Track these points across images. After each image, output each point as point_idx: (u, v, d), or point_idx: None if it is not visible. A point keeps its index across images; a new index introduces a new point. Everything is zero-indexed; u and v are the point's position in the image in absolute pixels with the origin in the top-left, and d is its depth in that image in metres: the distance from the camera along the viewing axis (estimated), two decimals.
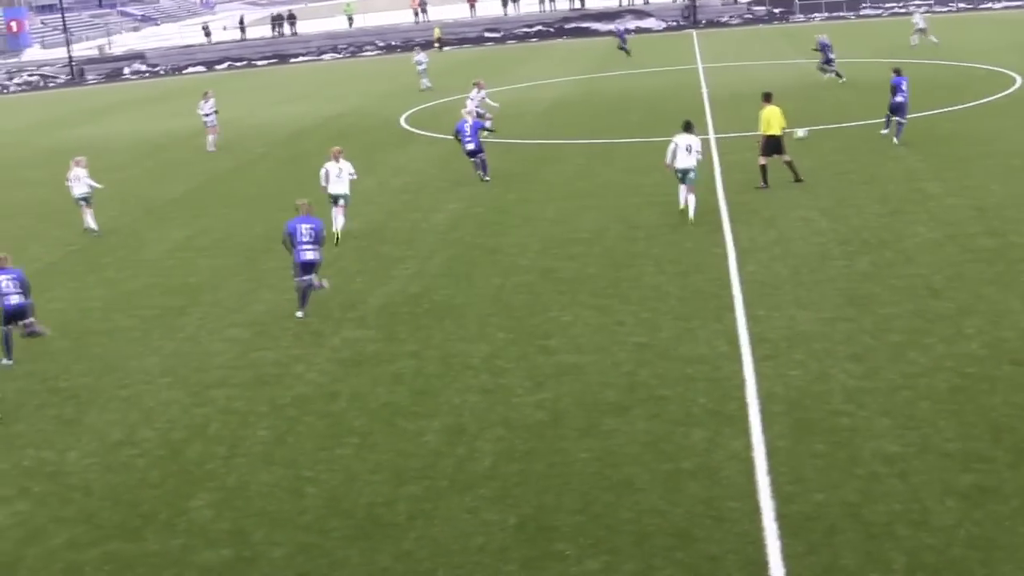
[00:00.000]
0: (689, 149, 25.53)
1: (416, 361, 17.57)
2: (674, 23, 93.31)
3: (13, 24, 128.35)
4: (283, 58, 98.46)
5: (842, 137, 34.11)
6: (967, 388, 14.94)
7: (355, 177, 27.36)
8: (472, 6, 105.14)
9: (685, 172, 25.59)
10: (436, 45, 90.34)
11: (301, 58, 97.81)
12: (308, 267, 20.85)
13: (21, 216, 34.37)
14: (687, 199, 25.61)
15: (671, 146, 25.73)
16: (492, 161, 32.65)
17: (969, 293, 18.83)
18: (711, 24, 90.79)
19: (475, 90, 40.87)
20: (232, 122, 51.80)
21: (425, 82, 59.27)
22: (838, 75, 47.15)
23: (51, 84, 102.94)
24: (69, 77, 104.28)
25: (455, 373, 16.88)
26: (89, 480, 14.58)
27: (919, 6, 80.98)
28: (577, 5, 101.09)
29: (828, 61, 47.75)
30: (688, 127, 26.28)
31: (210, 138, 44.08)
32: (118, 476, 14.60)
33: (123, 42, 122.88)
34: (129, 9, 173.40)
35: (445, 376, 16.81)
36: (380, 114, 49.95)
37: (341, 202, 26.94)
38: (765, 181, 27.77)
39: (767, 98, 28.53)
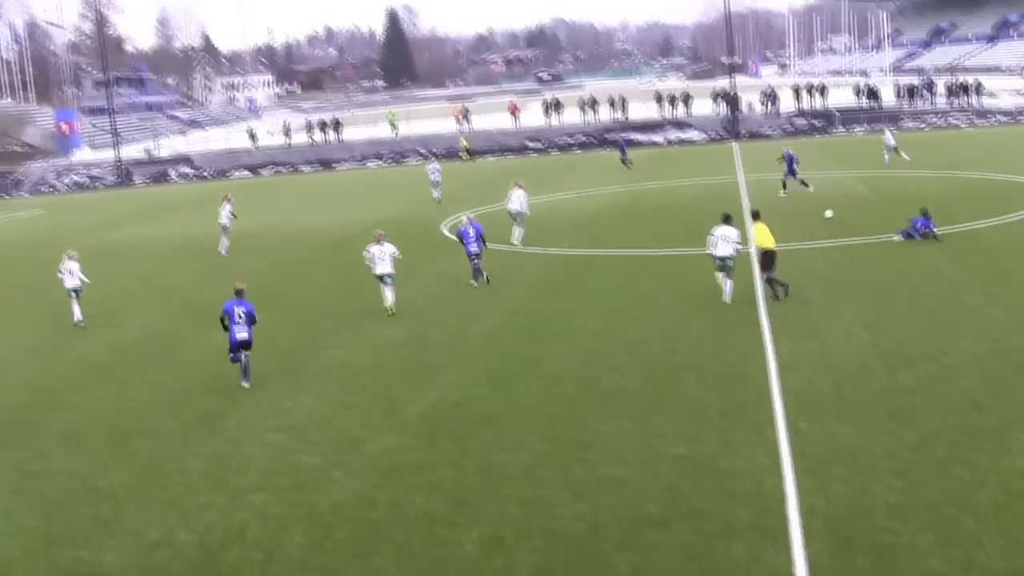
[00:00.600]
0: (727, 240, 27.96)
1: (455, 470, 17.53)
2: (715, 135, 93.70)
3: (64, 126, 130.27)
4: (327, 164, 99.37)
5: (883, 249, 34.09)
6: (1012, 504, 14.78)
7: (399, 256, 30.24)
8: (515, 116, 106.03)
9: (723, 260, 28.09)
10: (463, 155, 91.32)
11: (345, 164, 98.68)
12: (241, 345, 23.76)
13: (67, 315, 34.61)
14: (725, 283, 28.08)
15: (711, 238, 28.15)
16: (534, 271, 32.85)
17: (1013, 407, 18.69)
18: (752, 136, 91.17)
19: (517, 190, 41.15)
20: (277, 227, 52.33)
21: (437, 193, 59.11)
22: (804, 183, 49.20)
23: (99, 185, 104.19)
24: (117, 178, 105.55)
25: (494, 483, 16.82)
26: None
27: (888, 126, 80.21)
28: (619, 116, 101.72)
29: (792, 172, 49.48)
30: (727, 219, 28.68)
31: (224, 242, 45.29)
32: None
33: (170, 145, 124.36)
34: (177, 113, 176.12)
35: (484, 486, 16.74)
36: (422, 221, 50.26)
37: (388, 280, 30.13)
38: (776, 294, 28.37)
39: (756, 216, 29.77)
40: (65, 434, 21.63)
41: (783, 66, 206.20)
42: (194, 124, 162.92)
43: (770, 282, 28.62)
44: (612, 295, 30.52)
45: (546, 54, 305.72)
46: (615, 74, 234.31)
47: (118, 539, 15.99)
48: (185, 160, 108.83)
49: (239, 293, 24.43)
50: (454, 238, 43.49)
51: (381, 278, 30.18)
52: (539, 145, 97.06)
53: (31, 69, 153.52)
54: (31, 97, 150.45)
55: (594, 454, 17.79)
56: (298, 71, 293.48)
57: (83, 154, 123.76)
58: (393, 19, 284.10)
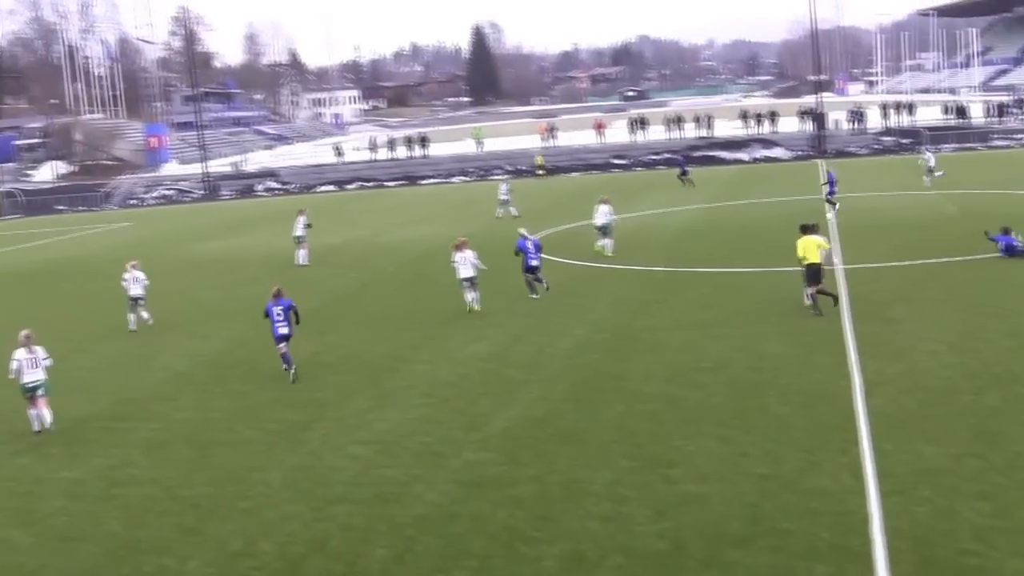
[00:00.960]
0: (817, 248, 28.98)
1: (537, 485, 17.49)
2: (801, 152, 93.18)
3: (153, 140, 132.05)
4: (412, 179, 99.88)
5: (971, 269, 33.66)
6: None
7: (480, 265, 32.89)
8: (600, 132, 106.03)
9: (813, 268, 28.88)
10: (539, 172, 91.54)
11: (430, 180, 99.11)
12: (283, 338, 26.81)
13: (154, 326, 35.07)
14: (809, 294, 28.92)
15: (800, 250, 29.03)
16: (618, 288, 32.83)
17: None
18: (839, 154, 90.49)
19: (603, 206, 42.03)
20: (361, 241, 52.66)
21: (500, 211, 60.61)
22: (831, 204, 50.03)
23: (186, 198, 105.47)
24: (204, 192, 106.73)
25: (576, 499, 16.77)
26: None
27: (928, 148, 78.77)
28: (704, 133, 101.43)
29: (831, 193, 50.41)
30: (804, 229, 29.59)
31: (301, 252, 47.25)
32: None
33: (257, 159, 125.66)
34: (263, 128, 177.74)
35: (566, 501, 16.69)
36: (506, 237, 50.23)
37: (466, 284, 32.95)
38: (818, 309, 28.72)
39: (804, 229, 29.86)
40: (150, 443, 21.86)
41: (870, 83, 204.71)
42: (281, 139, 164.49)
43: (818, 295, 28.75)
44: (696, 312, 30.35)
45: (631, 71, 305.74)
46: (700, 91, 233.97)
47: (201, 548, 16.12)
48: (271, 174, 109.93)
49: (277, 294, 27.14)
50: (542, 254, 43.49)
51: (462, 282, 32.82)
52: (624, 162, 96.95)
53: (122, 84, 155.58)
54: (121, 112, 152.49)
55: (677, 471, 17.68)
56: (384, 87, 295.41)
57: (171, 168, 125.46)
58: (479, 36, 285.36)
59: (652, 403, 21.71)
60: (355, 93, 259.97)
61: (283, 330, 26.71)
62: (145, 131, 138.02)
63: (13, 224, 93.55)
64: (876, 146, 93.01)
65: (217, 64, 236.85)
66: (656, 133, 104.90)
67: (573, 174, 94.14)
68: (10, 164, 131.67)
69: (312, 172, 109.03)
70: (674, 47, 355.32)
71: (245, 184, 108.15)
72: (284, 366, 26.43)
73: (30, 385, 24.26)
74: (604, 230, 42.70)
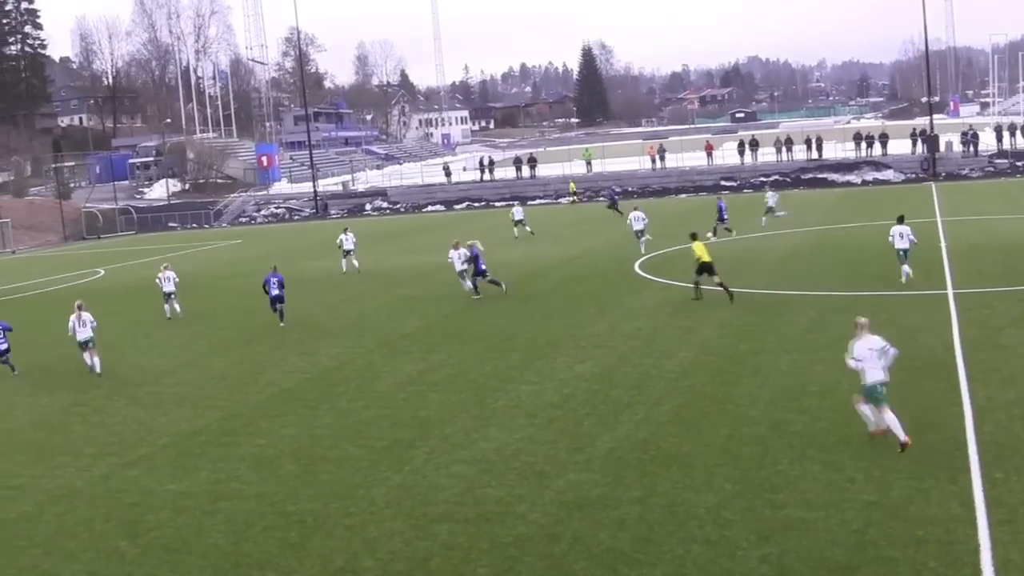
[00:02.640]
0: (903, 235, 36.91)
1: (640, 508, 17.38)
2: (912, 175, 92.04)
3: (264, 159, 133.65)
4: (521, 200, 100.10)
5: None
6: None
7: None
8: (709, 154, 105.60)
9: (905, 251, 36.93)
10: (572, 199, 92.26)
11: (538, 200, 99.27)
12: (276, 299, 38.87)
13: (260, 342, 35.49)
14: (904, 270, 36.79)
15: (891, 237, 37.45)
16: (724, 310, 32.70)
17: None
18: (950, 177, 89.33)
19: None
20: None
21: (516, 231, 65.51)
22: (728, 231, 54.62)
23: (296, 217, 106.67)
24: (313, 211, 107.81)
25: (679, 522, 16.64)
26: None
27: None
28: (814, 155, 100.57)
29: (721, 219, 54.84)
30: (901, 220, 38.15)
31: (354, 263, 53.84)
32: None
33: (366, 179, 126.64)
34: (373, 148, 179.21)
35: (669, 524, 16.57)
36: (614, 258, 50.28)
37: (462, 276, 41.35)
38: (697, 295, 36.56)
39: (693, 237, 37.74)
40: (256, 458, 22.07)
41: (984, 105, 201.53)
42: (390, 159, 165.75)
43: (722, 285, 35.98)
44: (803, 336, 30.03)
45: (741, 92, 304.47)
46: (810, 113, 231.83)
47: (304, 563, 16.22)
48: (380, 194, 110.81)
49: (275, 269, 39.66)
50: (648, 276, 43.34)
51: (459, 274, 41.35)
52: (733, 183, 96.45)
53: (234, 104, 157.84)
54: (233, 131, 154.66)
55: (781, 496, 17.48)
56: (493, 108, 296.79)
57: (281, 186, 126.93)
58: (588, 57, 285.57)
59: (757, 427, 21.51)
60: (464, 114, 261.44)
61: (276, 293, 38.91)
62: (256, 150, 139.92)
63: (126, 240, 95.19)
64: (989, 168, 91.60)
65: (328, 84, 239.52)
66: (766, 155, 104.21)
67: (681, 195, 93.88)
68: (125, 182, 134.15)
69: (421, 192, 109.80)
70: (784, 68, 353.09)
71: (354, 203, 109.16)
72: (281, 323, 37.95)
73: (82, 340, 33.37)
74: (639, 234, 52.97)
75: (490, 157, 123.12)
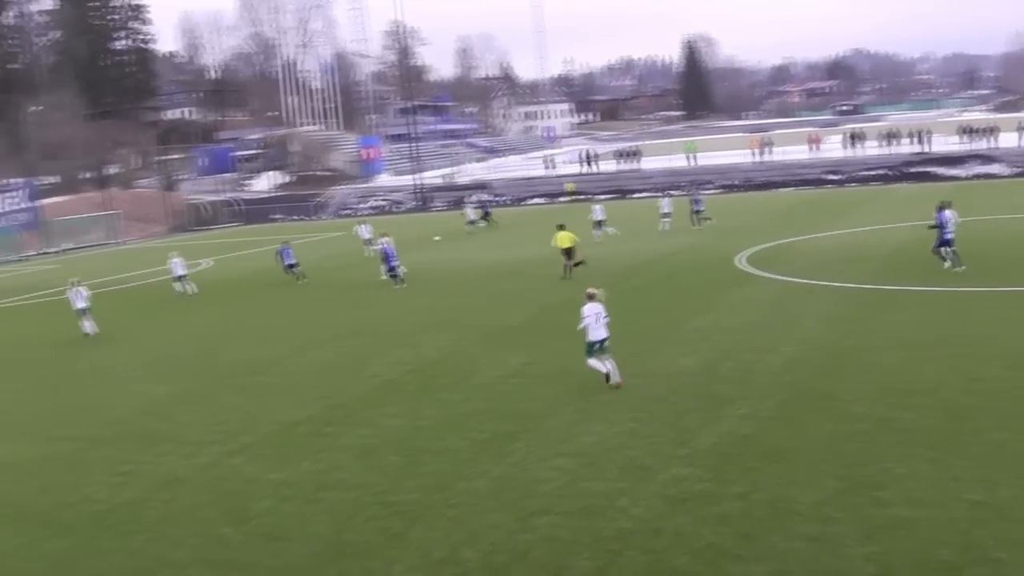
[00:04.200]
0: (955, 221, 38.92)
1: (743, 503, 17.24)
2: (1022, 169, 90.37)
3: (367, 152, 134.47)
4: (623, 193, 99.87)
5: None
6: None
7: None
8: (814, 147, 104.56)
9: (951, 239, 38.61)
10: (569, 198, 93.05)
11: (641, 194, 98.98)
12: (292, 266, 51.22)
13: (366, 334, 35.76)
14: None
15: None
16: (830, 305, 32.37)
17: None
18: None
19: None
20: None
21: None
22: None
23: (398, 209, 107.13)
24: (416, 203, 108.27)
25: (782, 518, 16.47)
26: None
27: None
28: (920, 148, 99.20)
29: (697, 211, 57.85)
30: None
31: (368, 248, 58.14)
32: None
33: (469, 172, 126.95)
34: (476, 141, 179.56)
35: (772, 520, 16.41)
36: (717, 251, 49.96)
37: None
38: (565, 274, 44.77)
39: (561, 227, 46.99)
40: (359, 449, 22.21)
41: None
42: (492, 151, 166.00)
43: (575, 266, 44.99)
44: (910, 332, 29.60)
45: (845, 85, 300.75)
46: (916, 106, 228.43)
47: (406, 553, 16.29)
48: (483, 187, 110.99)
49: (286, 243, 50.55)
50: (751, 270, 43.04)
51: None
52: (837, 177, 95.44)
53: (337, 98, 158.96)
54: (337, 124, 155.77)
55: (887, 494, 17.24)
56: (596, 101, 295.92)
57: (384, 179, 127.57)
58: (691, 50, 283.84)
59: (862, 423, 21.24)
60: (567, 106, 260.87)
61: (290, 261, 52.63)
62: (359, 143, 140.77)
63: (231, 232, 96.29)
64: None
65: (430, 77, 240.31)
66: (871, 148, 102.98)
67: (785, 189, 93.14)
68: (229, 174, 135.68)
69: (523, 185, 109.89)
70: (889, 61, 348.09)
71: (457, 196, 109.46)
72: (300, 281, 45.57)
73: (79, 308, 41.60)
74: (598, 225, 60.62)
75: (593, 150, 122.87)
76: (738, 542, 15.69)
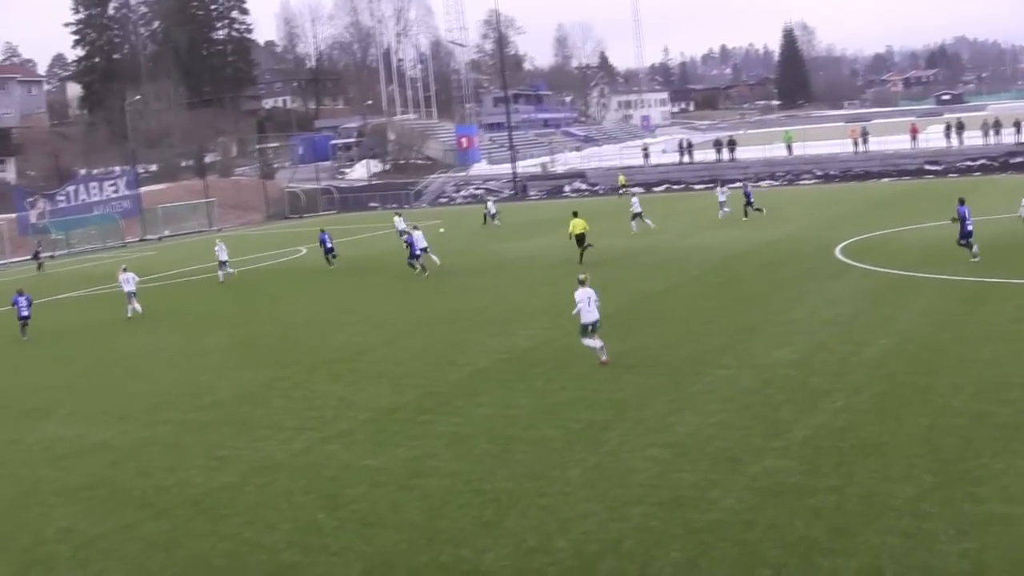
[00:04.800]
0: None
1: (837, 497, 17.09)
2: None
3: (464, 140, 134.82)
4: (720, 183, 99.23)
5: None
6: None
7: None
8: (914, 137, 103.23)
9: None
10: (620, 191, 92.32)
11: (737, 184, 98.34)
12: (329, 251, 55.61)
13: (459, 322, 35.90)
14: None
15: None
16: (927, 298, 32.01)
17: None
18: None
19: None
20: (666, 244, 52.54)
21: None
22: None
23: (493, 198, 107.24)
24: (513, 192, 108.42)
25: (876, 513, 16.32)
26: None
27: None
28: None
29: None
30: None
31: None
32: None
33: (565, 160, 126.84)
34: (573, 130, 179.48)
35: (866, 515, 16.26)
36: (815, 242, 49.53)
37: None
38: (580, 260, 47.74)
39: (575, 214, 51.47)
40: (452, 436, 22.32)
41: None
42: (589, 140, 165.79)
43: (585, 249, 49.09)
44: (1009, 325, 29.16)
45: (947, 74, 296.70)
46: (1020, 95, 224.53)
47: (498, 541, 16.37)
48: (579, 176, 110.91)
49: (323, 230, 52.19)
50: (849, 261, 42.65)
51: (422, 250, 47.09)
52: (938, 168, 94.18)
53: (434, 86, 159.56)
54: (433, 113, 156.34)
55: (983, 490, 17.02)
56: (693, 90, 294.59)
57: (481, 167, 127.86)
58: (789, 38, 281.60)
59: (959, 418, 20.98)
60: (663, 96, 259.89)
61: (329, 245, 56.71)
62: (456, 131, 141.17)
63: (328, 220, 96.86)
64: None
65: (527, 66, 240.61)
66: (972, 138, 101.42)
67: (884, 179, 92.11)
68: (327, 163, 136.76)
69: (619, 174, 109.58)
70: (993, 48, 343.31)
71: (553, 184, 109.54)
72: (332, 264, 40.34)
73: (128, 291, 45.41)
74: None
75: (689, 140, 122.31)
76: (831, 536, 15.57)
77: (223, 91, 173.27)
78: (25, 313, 41.86)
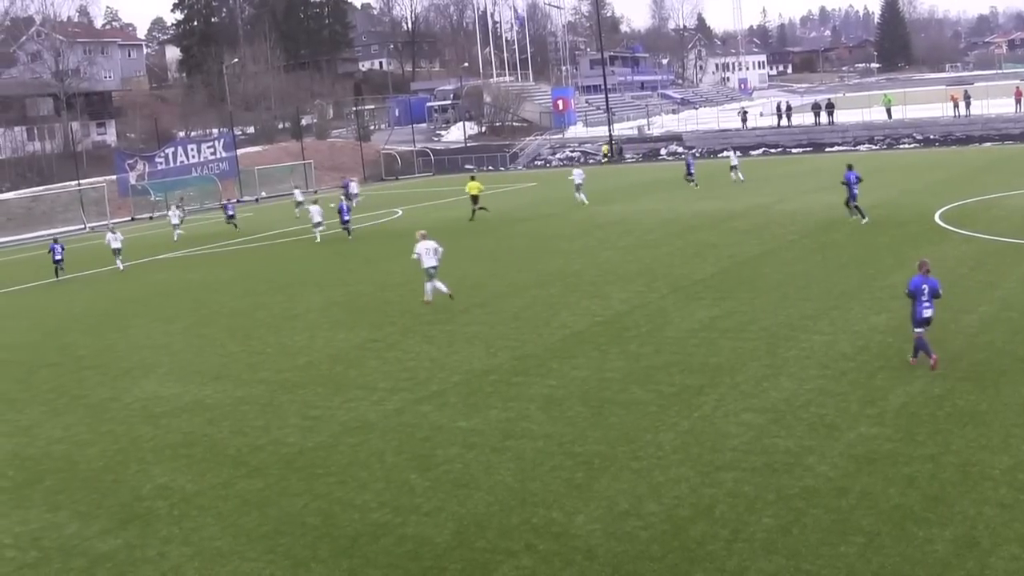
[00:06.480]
0: None
1: (932, 465, 16.89)
2: None
3: (560, 103, 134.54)
4: (818, 147, 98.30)
5: None
6: None
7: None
8: (1018, 101, 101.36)
9: None
10: (604, 160, 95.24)
11: (836, 147, 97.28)
12: (346, 222, 54.16)
13: (553, 284, 35.90)
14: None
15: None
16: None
17: None
18: None
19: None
20: (763, 207, 52.12)
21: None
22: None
23: (590, 160, 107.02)
24: (608, 155, 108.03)
25: (972, 482, 16.09)
26: (592, 545, 14.90)
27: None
28: None
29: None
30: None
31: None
32: (620, 545, 14.84)
33: (662, 123, 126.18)
34: (669, 92, 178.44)
35: (962, 484, 16.04)
36: (914, 208, 48.89)
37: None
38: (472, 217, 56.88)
39: (472, 178, 60.27)
40: (546, 399, 22.34)
41: None
42: (685, 103, 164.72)
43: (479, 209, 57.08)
44: None
45: None
46: None
47: (589, 504, 16.37)
48: (676, 139, 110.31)
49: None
50: (948, 227, 42.08)
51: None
52: None
53: (530, 48, 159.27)
54: (529, 75, 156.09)
55: None
56: (791, 52, 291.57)
57: (576, 130, 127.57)
58: (890, 0, 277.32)
59: None
60: (761, 58, 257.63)
61: (347, 217, 56.44)
62: (552, 94, 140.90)
63: (423, 182, 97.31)
64: None
65: (624, 28, 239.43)
66: None
67: (986, 144, 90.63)
68: (422, 125, 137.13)
69: (716, 137, 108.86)
70: None
71: (649, 148, 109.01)
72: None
73: (114, 248, 52.27)
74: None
75: (787, 102, 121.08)
76: (926, 505, 15.39)
77: (319, 54, 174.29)
78: (58, 257, 51.91)
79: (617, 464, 18.02)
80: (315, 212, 56.74)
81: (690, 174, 69.24)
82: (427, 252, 33.75)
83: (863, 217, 44.33)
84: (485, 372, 25.11)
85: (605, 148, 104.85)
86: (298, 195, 76.85)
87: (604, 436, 19.59)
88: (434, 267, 33.80)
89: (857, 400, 20.56)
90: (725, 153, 73.61)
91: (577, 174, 65.32)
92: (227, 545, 16.19)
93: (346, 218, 56.96)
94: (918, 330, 22.44)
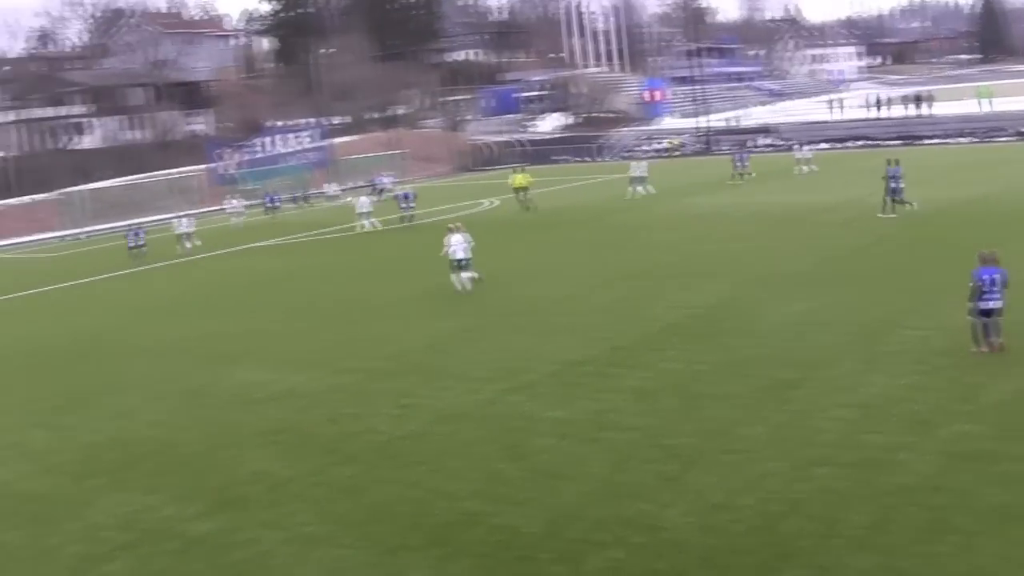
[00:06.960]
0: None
1: None
2: None
3: (651, 94, 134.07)
4: (912, 139, 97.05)
5: None
6: None
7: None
8: None
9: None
10: (677, 153, 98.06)
11: (931, 140, 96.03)
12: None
13: (647, 277, 35.83)
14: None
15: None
16: None
17: None
18: None
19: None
20: (858, 200, 51.56)
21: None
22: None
23: (682, 152, 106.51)
24: (700, 146, 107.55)
25: None
26: (684, 538, 14.92)
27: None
28: None
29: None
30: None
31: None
32: (712, 539, 14.84)
33: (754, 115, 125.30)
34: (761, 83, 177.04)
35: None
36: (1015, 202, 48.06)
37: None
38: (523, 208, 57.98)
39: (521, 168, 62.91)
40: (638, 391, 22.34)
41: None
42: (777, 95, 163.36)
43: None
44: None
45: None
46: None
47: (681, 496, 16.37)
48: (767, 130, 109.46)
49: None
50: None
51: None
52: None
53: (622, 39, 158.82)
54: (621, 66, 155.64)
55: None
56: (886, 43, 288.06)
57: (668, 121, 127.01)
58: None
59: None
60: (855, 49, 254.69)
61: (403, 205, 59.11)
62: (644, 85, 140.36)
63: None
64: None
65: (715, 19, 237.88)
66: None
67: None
68: (513, 116, 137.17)
69: (809, 128, 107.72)
70: None
71: (741, 139, 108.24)
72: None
73: (182, 232, 55.91)
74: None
75: (882, 94, 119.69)
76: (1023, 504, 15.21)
77: (410, 44, 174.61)
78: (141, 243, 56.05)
79: (709, 457, 18.00)
80: (363, 203, 59.19)
81: (744, 165, 71.09)
82: (459, 245, 35.65)
83: (903, 205, 45.91)
84: (577, 363, 25.15)
85: (677, 141, 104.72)
86: (387, 183, 79.83)
87: (696, 429, 19.56)
88: (468, 260, 35.73)
89: (952, 396, 20.36)
90: (798, 146, 73.33)
91: (635, 167, 66.16)
92: (319, 531, 16.37)
93: (402, 206, 60.21)
94: (984, 319, 22.25)
